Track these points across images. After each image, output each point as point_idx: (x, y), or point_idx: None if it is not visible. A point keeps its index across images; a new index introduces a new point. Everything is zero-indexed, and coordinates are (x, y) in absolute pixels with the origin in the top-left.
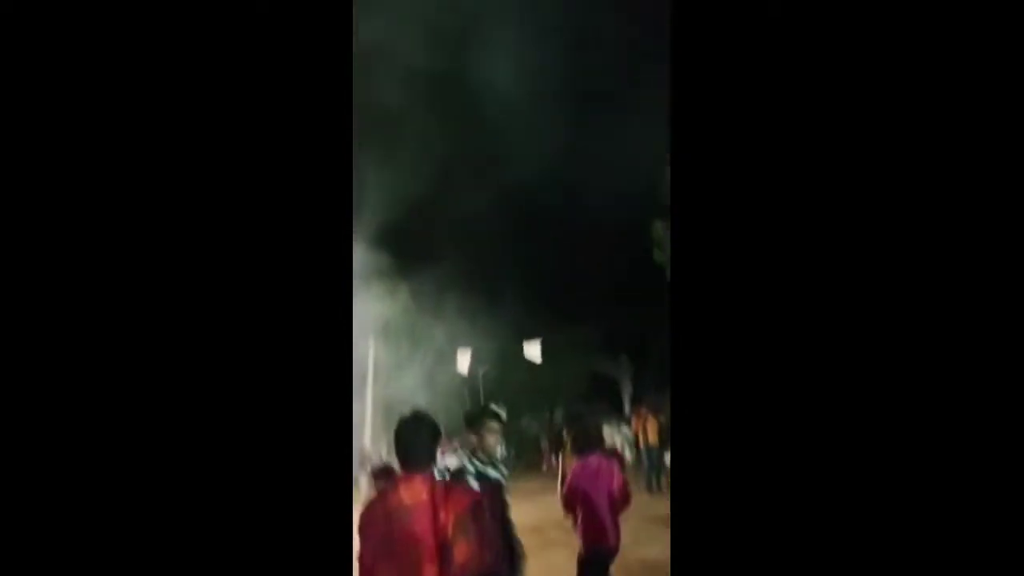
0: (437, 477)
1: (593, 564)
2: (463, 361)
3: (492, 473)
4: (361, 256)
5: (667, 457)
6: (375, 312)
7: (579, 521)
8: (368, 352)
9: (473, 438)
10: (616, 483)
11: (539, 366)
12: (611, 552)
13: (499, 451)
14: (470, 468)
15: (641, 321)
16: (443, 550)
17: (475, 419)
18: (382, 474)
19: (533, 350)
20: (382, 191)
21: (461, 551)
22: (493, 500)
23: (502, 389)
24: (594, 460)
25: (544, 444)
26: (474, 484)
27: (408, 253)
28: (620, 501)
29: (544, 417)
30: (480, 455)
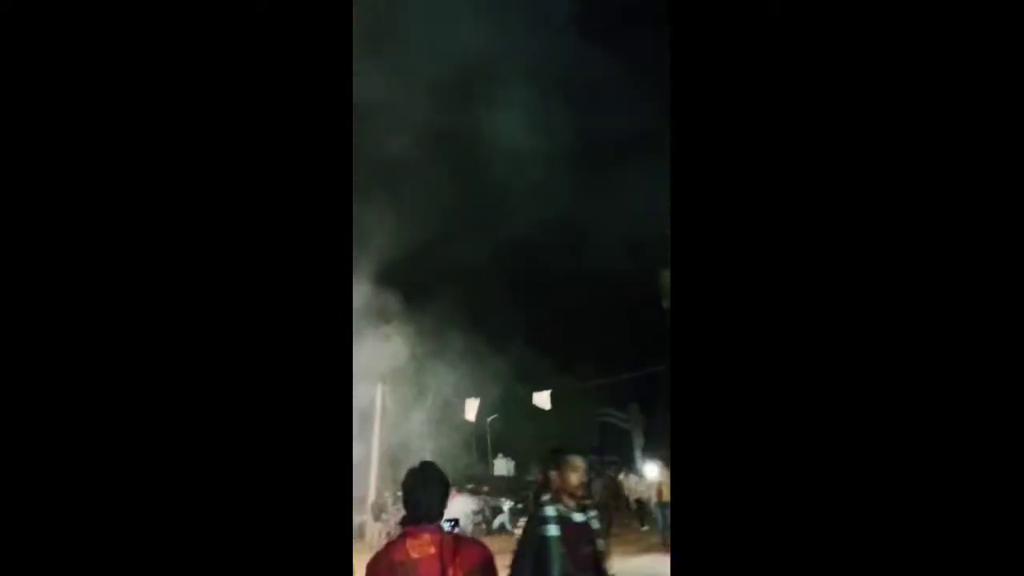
0: (446, 529)
1: None
2: (471, 409)
3: (579, 517)
4: (367, 300)
5: None
6: (381, 357)
7: None
8: (376, 397)
9: (554, 474)
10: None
11: (548, 415)
12: None
13: (584, 491)
14: (551, 513)
15: (652, 371)
16: None
17: (557, 456)
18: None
19: (542, 399)
20: (388, 236)
21: None
22: (581, 546)
23: (510, 438)
24: None
25: None
26: (554, 531)
27: (415, 298)
28: None
29: None
30: (565, 499)
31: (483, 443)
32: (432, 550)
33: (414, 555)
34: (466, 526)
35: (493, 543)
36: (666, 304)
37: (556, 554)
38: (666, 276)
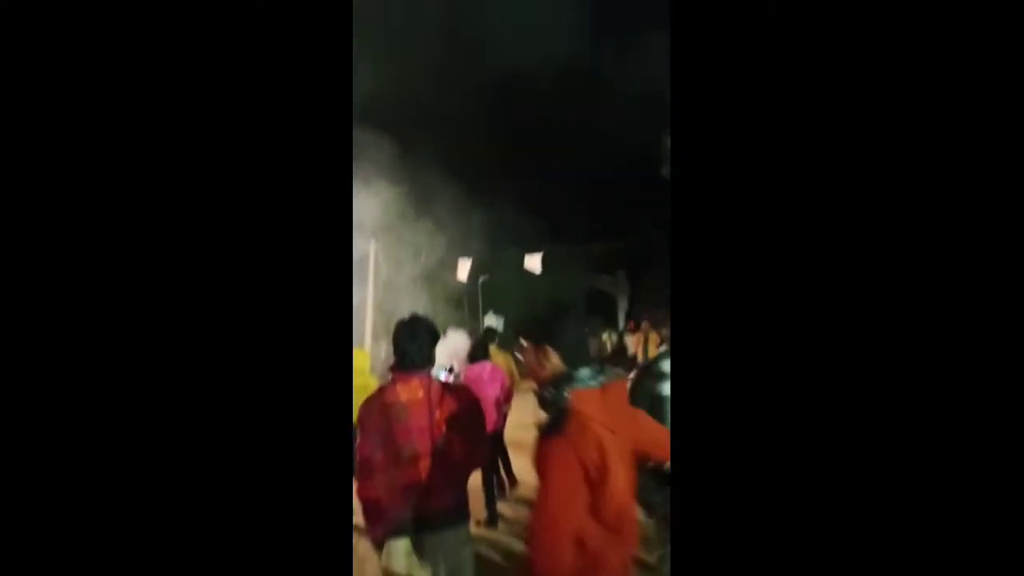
0: (442, 376)
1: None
2: (463, 269)
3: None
4: (360, 156)
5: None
6: (374, 213)
7: None
8: (369, 252)
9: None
10: (502, 385)
11: (538, 278)
12: (496, 436)
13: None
14: (666, 368)
15: (643, 238)
16: (437, 446)
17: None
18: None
19: (533, 262)
20: (384, 88)
21: (455, 448)
22: None
23: (500, 299)
24: (480, 367)
25: None
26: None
27: (409, 153)
28: (503, 399)
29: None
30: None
31: (474, 301)
32: (420, 394)
33: (404, 398)
34: (460, 368)
35: None
36: (665, 172)
37: (670, 414)
38: (667, 143)
